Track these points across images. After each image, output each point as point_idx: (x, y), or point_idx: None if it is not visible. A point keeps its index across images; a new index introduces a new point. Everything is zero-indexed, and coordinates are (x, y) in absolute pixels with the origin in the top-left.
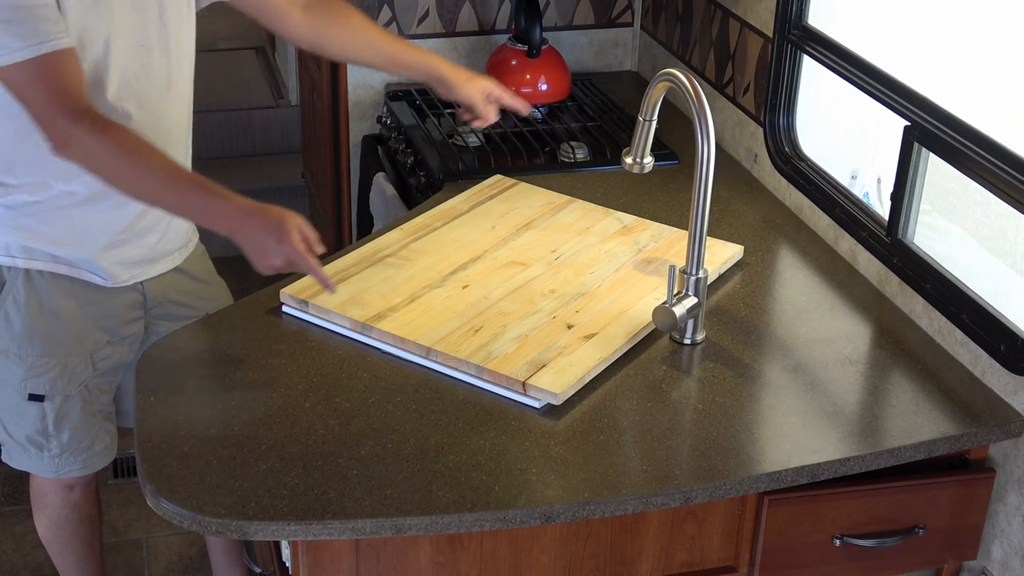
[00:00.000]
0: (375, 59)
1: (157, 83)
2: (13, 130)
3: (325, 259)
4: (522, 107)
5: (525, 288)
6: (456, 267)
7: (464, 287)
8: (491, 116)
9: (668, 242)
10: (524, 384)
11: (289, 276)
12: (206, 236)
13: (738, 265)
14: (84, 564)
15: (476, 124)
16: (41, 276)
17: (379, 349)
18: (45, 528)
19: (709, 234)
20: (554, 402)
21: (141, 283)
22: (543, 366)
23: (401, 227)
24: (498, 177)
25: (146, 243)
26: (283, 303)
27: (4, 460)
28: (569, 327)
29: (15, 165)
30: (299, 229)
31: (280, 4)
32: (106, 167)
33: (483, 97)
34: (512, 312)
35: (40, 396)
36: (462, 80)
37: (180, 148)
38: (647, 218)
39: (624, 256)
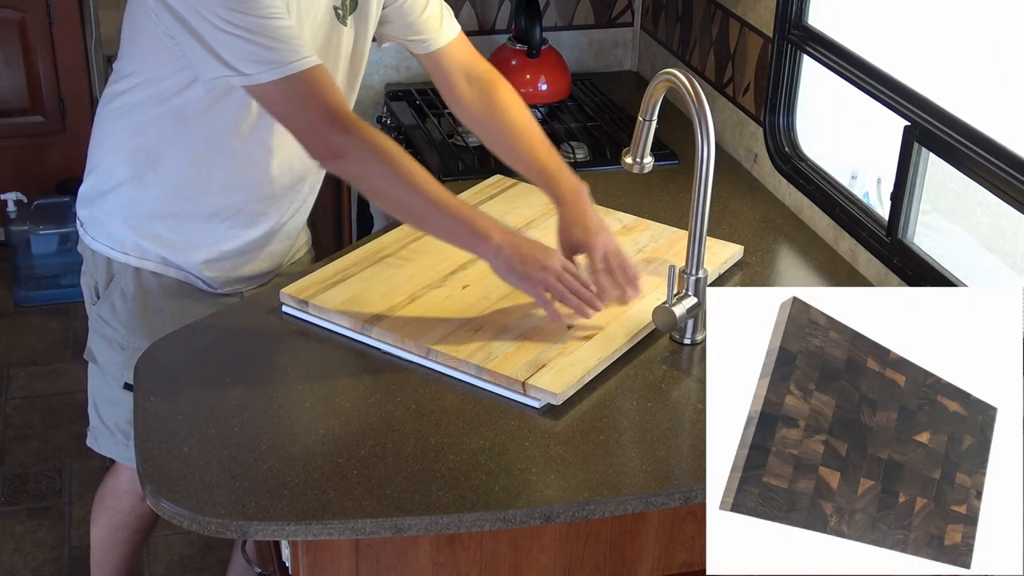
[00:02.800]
0: (513, 166)
1: None
2: (171, 126)
3: (326, 260)
4: (633, 280)
5: None
6: (456, 267)
7: (464, 287)
8: (586, 310)
9: (668, 242)
10: (524, 384)
11: (290, 276)
12: None
13: (738, 265)
14: (120, 570)
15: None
16: (150, 275)
17: (379, 349)
18: (102, 527)
19: (709, 234)
20: (554, 402)
21: (242, 293)
22: (543, 366)
23: (401, 227)
24: (498, 177)
25: (253, 265)
26: (283, 303)
27: (89, 444)
28: (569, 327)
29: (160, 160)
30: (557, 259)
31: (450, 71)
32: (377, 181)
33: (599, 257)
34: (512, 312)
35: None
36: (589, 232)
37: (318, 174)
38: (647, 218)
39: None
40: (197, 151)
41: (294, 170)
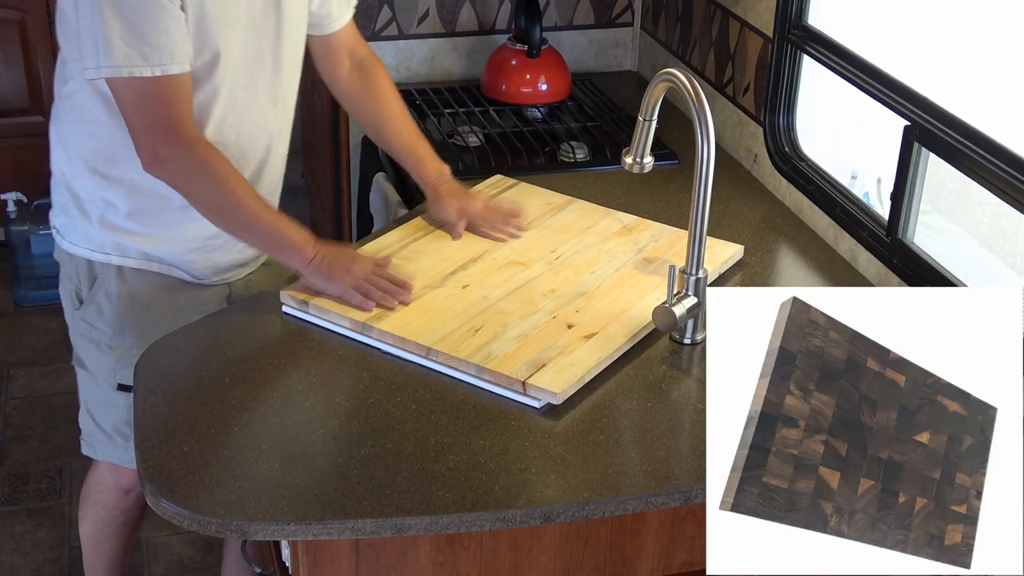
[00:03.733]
0: (381, 145)
1: (263, 98)
2: (120, 121)
3: None
4: (518, 223)
5: (525, 288)
6: (456, 267)
7: (464, 287)
8: (456, 232)
9: (668, 242)
10: (524, 384)
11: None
12: None
13: (738, 265)
14: (114, 566)
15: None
16: (133, 272)
17: (379, 349)
18: (90, 524)
19: (709, 234)
20: (554, 401)
21: (229, 284)
22: (543, 366)
23: (401, 227)
24: (498, 177)
25: (237, 249)
26: (283, 303)
27: (85, 452)
28: (569, 327)
29: (118, 159)
30: (362, 265)
31: (339, 53)
32: (198, 193)
33: (457, 220)
34: (512, 312)
35: (129, 387)
36: (431, 201)
37: (279, 161)
38: (647, 218)
39: (624, 256)
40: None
41: (251, 154)
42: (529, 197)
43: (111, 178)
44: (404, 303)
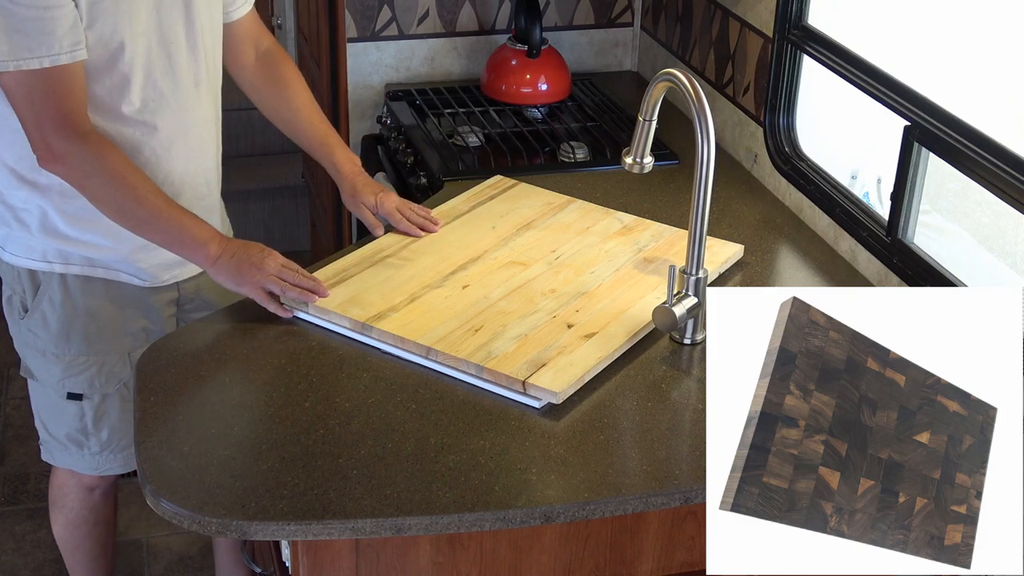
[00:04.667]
0: (291, 135)
1: (185, 81)
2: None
3: (326, 260)
4: (425, 225)
5: (525, 288)
6: (456, 267)
7: (464, 287)
8: (377, 231)
9: (668, 242)
10: (524, 383)
11: None
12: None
13: (738, 265)
14: (95, 566)
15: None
16: (77, 280)
17: (379, 349)
18: (62, 527)
19: (709, 234)
20: (554, 401)
21: (178, 282)
22: (543, 365)
23: None
24: (498, 177)
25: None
26: (283, 303)
27: (45, 459)
28: (569, 326)
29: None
30: (273, 260)
31: (238, 42)
32: (95, 191)
33: (368, 211)
34: (512, 312)
35: (78, 395)
36: (351, 192)
37: (209, 146)
38: (647, 218)
39: (624, 256)
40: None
41: (179, 140)
42: (529, 197)
43: (40, 185)
44: (322, 296)
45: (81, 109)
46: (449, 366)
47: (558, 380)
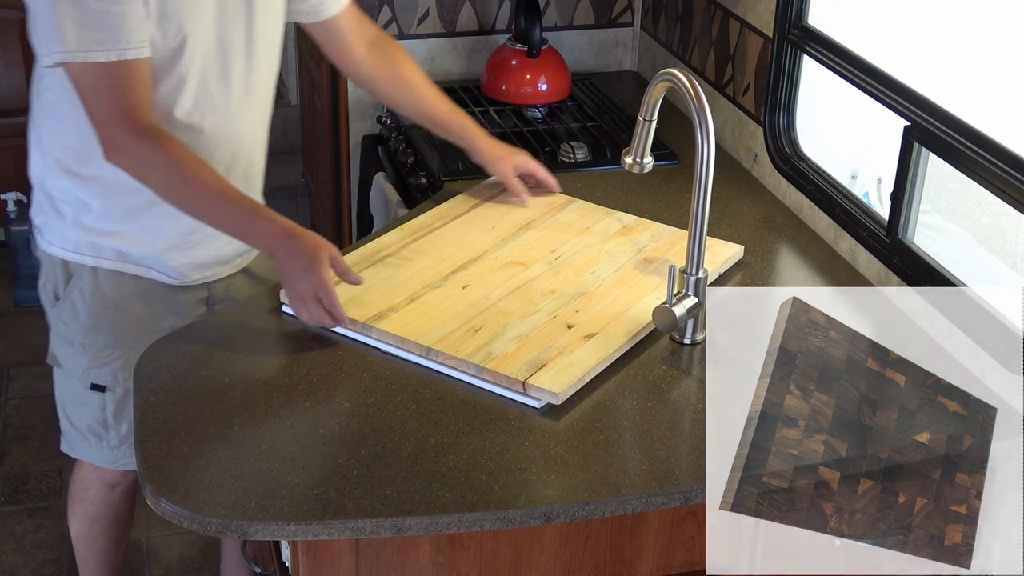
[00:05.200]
0: (418, 116)
1: (237, 88)
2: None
3: None
4: (553, 186)
5: (525, 288)
6: (456, 267)
7: (464, 287)
8: (524, 197)
9: (668, 242)
10: (524, 384)
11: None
12: None
13: (738, 265)
14: (106, 563)
15: (514, 201)
16: (108, 273)
17: (379, 349)
18: (79, 522)
19: (709, 234)
20: (554, 401)
21: (208, 283)
22: (543, 366)
23: (401, 227)
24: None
25: (217, 245)
26: (283, 302)
27: (64, 450)
28: (569, 327)
29: (88, 157)
30: (331, 259)
31: (347, 37)
32: (159, 181)
33: (514, 174)
34: (512, 312)
35: (101, 387)
36: (495, 158)
37: (256, 152)
38: (647, 218)
39: (624, 256)
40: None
41: (225, 145)
42: (529, 196)
43: (83, 176)
44: (340, 325)
45: (143, 104)
46: (449, 366)
47: (558, 381)
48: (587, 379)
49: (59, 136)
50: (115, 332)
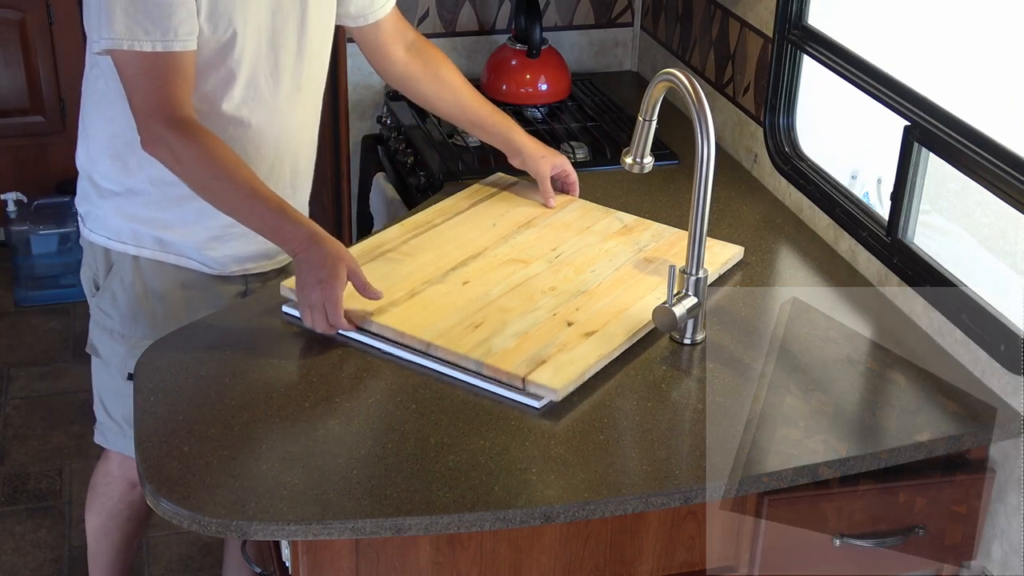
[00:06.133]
0: (459, 118)
1: (286, 84)
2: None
3: None
4: (575, 192)
5: (525, 285)
6: (456, 263)
7: (464, 283)
8: (551, 202)
9: (668, 242)
10: (524, 380)
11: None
12: None
13: (738, 265)
14: (117, 560)
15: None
16: (148, 263)
17: (379, 349)
18: (95, 515)
19: (709, 234)
20: (554, 399)
21: (246, 276)
22: (543, 362)
23: (402, 223)
24: (500, 175)
25: (259, 239)
26: (284, 299)
27: (97, 441)
28: (569, 324)
29: (138, 145)
30: (349, 273)
31: (387, 40)
32: (191, 173)
33: (550, 174)
34: (512, 309)
35: None
36: (538, 155)
37: (304, 149)
38: (647, 218)
39: (624, 255)
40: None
41: (271, 141)
42: (529, 195)
43: (131, 164)
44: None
45: (184, 97)
46: (449, 362)
47: (558, 377)
48: (587, 376)
49: (109, 123)
50: (153, 322)
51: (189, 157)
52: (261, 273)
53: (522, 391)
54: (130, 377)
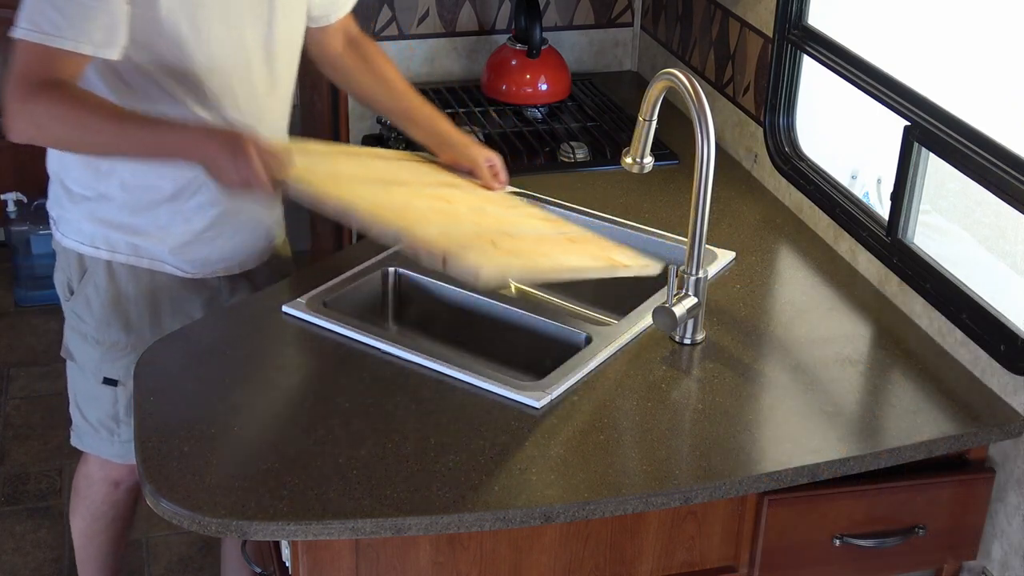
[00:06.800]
0: (392, 108)
1: (259, 87)
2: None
3: (327, 259)
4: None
5: (451, 211)
6: (380, 179)
7: (386, 189)
8: (493, 184)
9: (600, 244)
10: (445, 258)
11: (289, 281)
12: None
13: (738, 265)
14: (106, 561)
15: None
16: (122, 267)
17: (379, 349)
18: (80, 518)
19: (710, 235)
20: (475, 280)
21: (219, 279)
22: (469, 250)
23: (336, 146)
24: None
25: (232, 243)
26: (284, 300)
27: (74, 444)
28: (493, 244)
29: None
30: (256, 149)
31: (331, 32)
32: (57, 133)
33: (485, 163)
34: (434, 221)
35: (114, 381)
36: (471, 144)
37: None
38: (647, 219)
39: (550, 232)
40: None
41: None
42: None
43: (102, 168)
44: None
45: (49, 79)
46: (368, 231)
47: (485, 261)
48: (515, 275)
49: None
50: (128, 326)
51: (52, 117)
52: (235, 276)
53: (520, 389)
54: (106, 381)
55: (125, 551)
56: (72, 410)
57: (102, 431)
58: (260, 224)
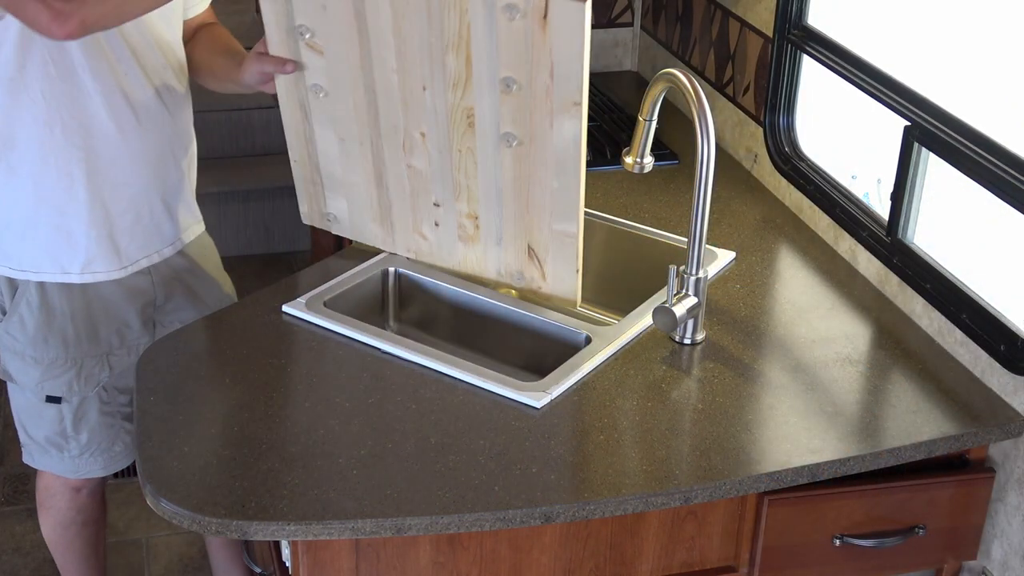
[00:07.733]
0: (213, 59)
1: (150, 105)
2: (9, 104)
3: (325, 259)
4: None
5: None
6: None
7: None
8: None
9: None
10: None
11: (289, 284)
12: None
13: (738, 265)
14: (86, 566)
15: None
16: (53, 286)
17: (379, 349)
18: (50, 529)
19: (710, 235)
20: None
21: (150, 271)
22: None
23: None
24: None
25: (154, 224)
26: (284, 300)
27: (26, 461)
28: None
29: (14, 138)
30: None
31: (189, 30)
32: (106, 4)
33: (253, 55)
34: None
35: (57, 398)
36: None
37: (179, 152)
38: (647, 219)
39: None
40: (37, 112)
41: (156, 159)
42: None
43: (13, 162)
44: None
45: None
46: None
47: None
48: None
49: None
50: (64, 342)
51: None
52: (169, 281)
53: (520, 388)
54: (48, 399)
55: (105, 557)
56: (19, 430)
57: (51, 449)
58: (178, 207)
